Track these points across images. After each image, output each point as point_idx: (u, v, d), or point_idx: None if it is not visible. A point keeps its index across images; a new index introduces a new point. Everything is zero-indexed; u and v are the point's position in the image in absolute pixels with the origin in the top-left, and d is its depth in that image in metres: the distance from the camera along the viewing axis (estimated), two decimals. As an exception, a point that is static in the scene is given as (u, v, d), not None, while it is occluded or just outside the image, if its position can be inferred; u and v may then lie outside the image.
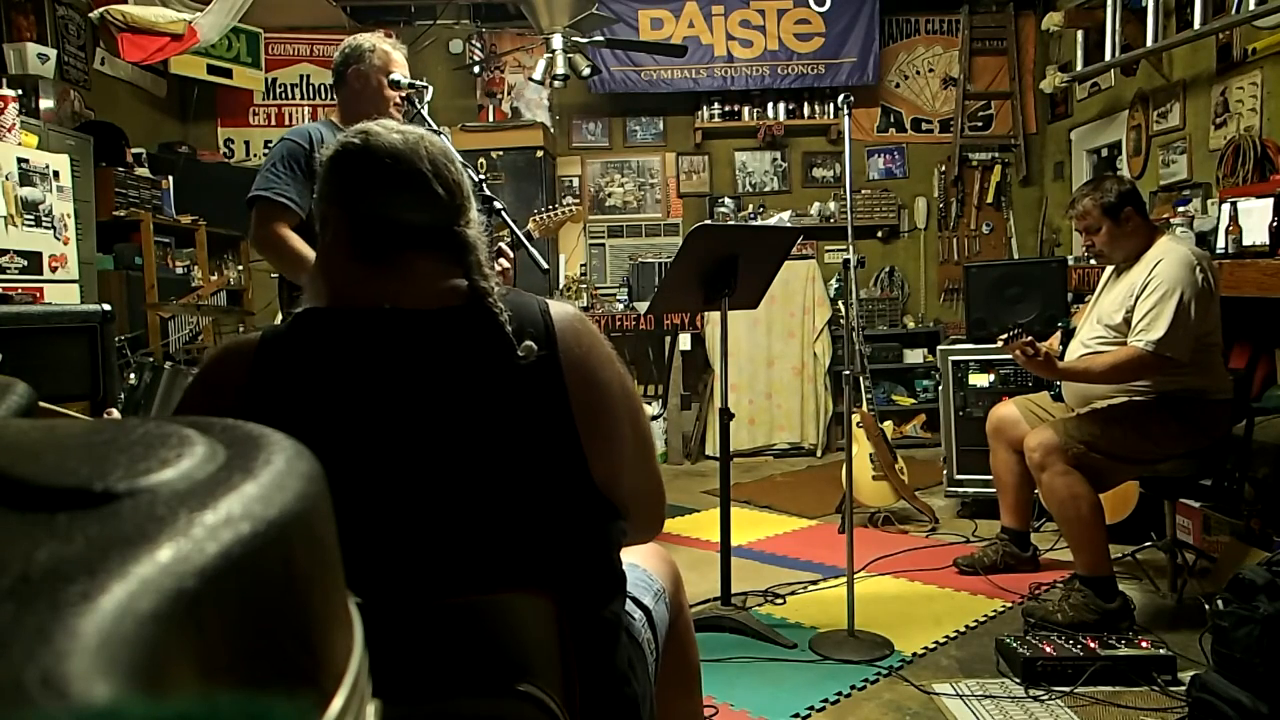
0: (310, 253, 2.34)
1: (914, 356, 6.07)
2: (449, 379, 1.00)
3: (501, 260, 2.57)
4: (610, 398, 1.07)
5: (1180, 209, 4.20)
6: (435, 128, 2.76)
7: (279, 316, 2.82)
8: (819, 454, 5.75)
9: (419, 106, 2.71)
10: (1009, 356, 2.88)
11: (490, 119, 6.15)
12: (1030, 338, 2.75)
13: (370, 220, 1.04)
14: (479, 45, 6.37)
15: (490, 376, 1.00)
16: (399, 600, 0.93)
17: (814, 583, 3.28)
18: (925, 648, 2.65)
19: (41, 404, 1.84)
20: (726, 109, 6.33)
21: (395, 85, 2.57)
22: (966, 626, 2.81)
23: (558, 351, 1.02)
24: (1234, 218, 3.40)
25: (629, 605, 1.28)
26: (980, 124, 6.45)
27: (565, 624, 0.97)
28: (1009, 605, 2.97)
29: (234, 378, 0.99)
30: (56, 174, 3.68)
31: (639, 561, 1.43)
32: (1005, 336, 2.79)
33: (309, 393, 0.98)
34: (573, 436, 1.01)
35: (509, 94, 6.34)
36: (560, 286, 5.83)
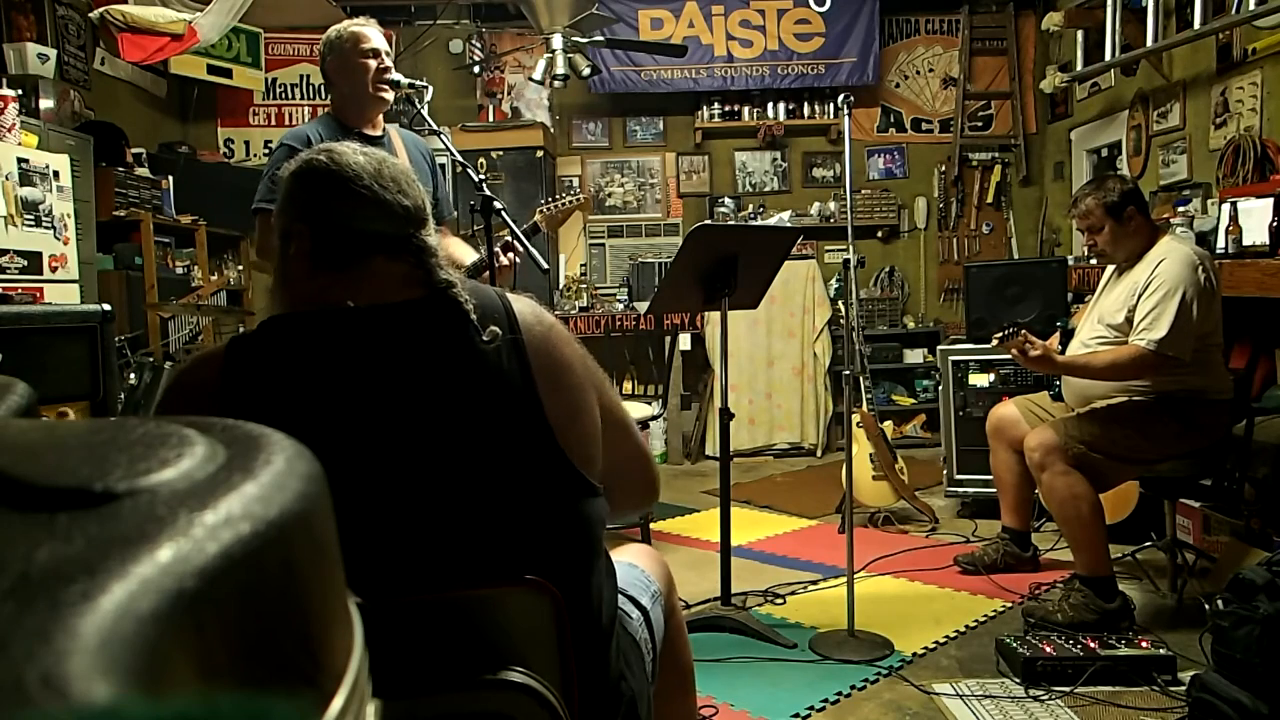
0: None
1: (914, 356, 6.07)
2: (418, 368, 1.03)
3: (510, 254, 2.57)
4: (574, 375, 1.10)
5: (1180, 209, 4.20)
6: (435, 128, 2.76)
7: None
8: (819, 454, 5.75)
9: (419, 106, 2.70)
10: (1009, 356, 2.87)
11: (490, 119, 6.14)
12: (1026, 333, 2.75)
13: (334, 231, 1.07)
14: (479, 45, 6.37)
15: (457, 362, 1.03)
16: (388, 596, 0.94)
17: (814, 583, 3.28)
18: (925, 648, 2.65)
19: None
20: (726, 109, 6.33)
21: (384, 75, 2.56)
22: (966, 626, 2.81)
23: (520, 333, 1.06)
24: (1234, 218, 3.40)
25: (626, 604, 1.29)
26: (980, 124, 6.45)
27: (561, 614, 0.97)
28: (1009, 605, 2.97)
29: (208, 383, 1.01)
30: (56, 174, 3.67)
31: (636, 562, 1.44)
32: (1000, 335, 2.79)
33: (281, 392, 1.00)
34: (542, 415, 1.04)
35: (509, 94, 6.33)
36: (560, 286, 5.82)
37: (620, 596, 1.25)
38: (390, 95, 2.60)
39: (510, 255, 2.57)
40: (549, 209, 3.06)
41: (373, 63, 2.54)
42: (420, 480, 1.00)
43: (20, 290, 3.40)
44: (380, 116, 2.66)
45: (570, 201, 3.09)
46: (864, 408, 4.04)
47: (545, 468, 1.04)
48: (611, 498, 1.17)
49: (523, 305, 1.10)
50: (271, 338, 1.04)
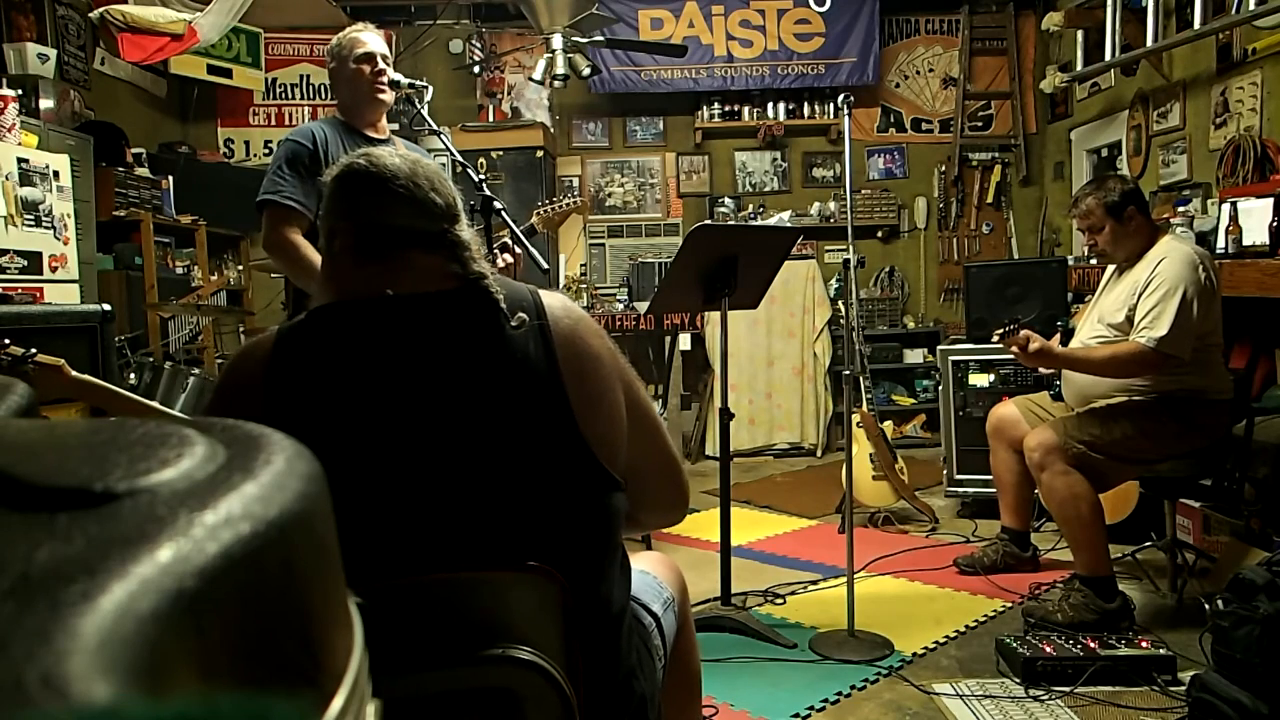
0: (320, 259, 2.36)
1: (914, 356, 6.07)
2: (450, 353, 1.07)
3: (506, 256, 2.58)
4: (601, 366, 1.13)
5: (1180, 209, 4.20)
6: (435, 128, 2.76)
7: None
8: (819, 454, 5.75)
9: (419, 106, 2.71)
10: (1009, 356, 2.87)
11: (490, 119, 6.14)
12: (1026, 331, 2.75)
13: (374, 227, 1.13)
14: (479, 45, 6.37)
15: (486, 348, 1.07)
16: (399, 576, 0.96)
17: (814, 583, 3.28)
18: (925, 648, 2.65)
19: (75, 373, 1.83)
20: (726, 109, 6.33)
21: (380, 79, 2.59)
22: (966, 626, 2.81)
23: (548, 322, 1.09)
24: (1234, 218, 3.40)
25: (639, 610, 1.29)
26: (980, 124, 6.45)
27: (568, 602, 0.99)
28: (1009, 605, 2.97)
29: (257, 373, 1.06)
30: (56, 174, 3.67)
31: (649, 569, 1.45)
32: (1001, 331, 2.79)
33: (325, 377, 1.06)
34: (565, 403, 1.06)
35: (509, 94, 6.33)
36: (560, 286, 5.82)
37: (633, 602, 1.25)
38: (388, 97, 2.62)
39: (507, 256, 2.57)
40: (546, 211, 3.07)
41: (367, 69, 2.59)
42: (445, 461, 1.03)
43: (20, 290, 3.39)
44: (384, 121, 2.69)
45: (567, 204, 3.10)
46: (864, 408, 4.04)
47: (566, 455, 1.06)
48: (639, 505, 1.18)
49: (552, 299, 1.14)
50: (316, 326, 1.10)
